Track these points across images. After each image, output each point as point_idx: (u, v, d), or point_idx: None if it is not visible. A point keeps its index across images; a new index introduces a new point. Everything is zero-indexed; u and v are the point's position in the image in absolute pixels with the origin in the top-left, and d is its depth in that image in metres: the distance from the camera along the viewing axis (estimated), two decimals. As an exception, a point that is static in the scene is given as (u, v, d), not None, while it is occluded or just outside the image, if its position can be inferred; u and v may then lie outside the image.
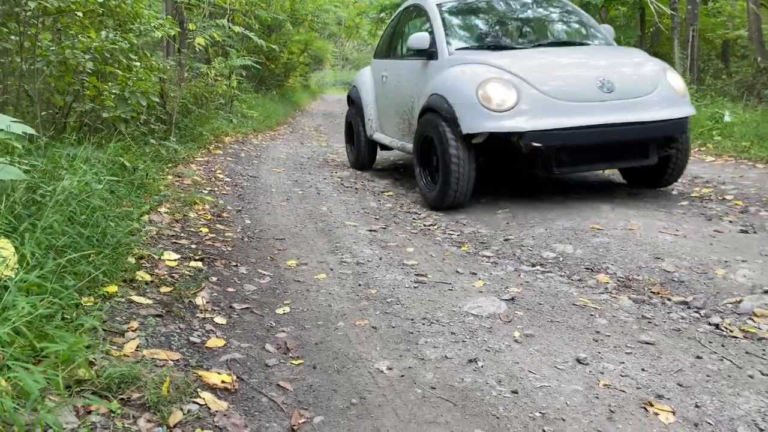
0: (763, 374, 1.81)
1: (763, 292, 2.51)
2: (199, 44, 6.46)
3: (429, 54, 4.62)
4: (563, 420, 1.60)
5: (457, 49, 4.52)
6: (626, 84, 4.00)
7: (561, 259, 3.09)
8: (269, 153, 7.14)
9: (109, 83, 4.32)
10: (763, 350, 2.02)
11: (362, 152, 5.99)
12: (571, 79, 4.06)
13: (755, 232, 3.32)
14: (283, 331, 2.21)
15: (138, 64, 4.58)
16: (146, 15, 4.85)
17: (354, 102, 6.16)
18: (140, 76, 4.35)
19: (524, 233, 3.51)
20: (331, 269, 2.93)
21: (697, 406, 1.64)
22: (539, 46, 4.75)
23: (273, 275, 2.84)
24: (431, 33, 4.68)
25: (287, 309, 2.42)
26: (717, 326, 2.23)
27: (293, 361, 1.97)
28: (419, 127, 4.41)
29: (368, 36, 18.52)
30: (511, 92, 3.86)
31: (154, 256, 2.76)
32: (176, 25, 5.79)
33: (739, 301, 2.43)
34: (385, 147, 5.76)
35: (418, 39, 4.61)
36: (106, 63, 4.27)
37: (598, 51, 4.70)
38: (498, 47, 4.59)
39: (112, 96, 4.21)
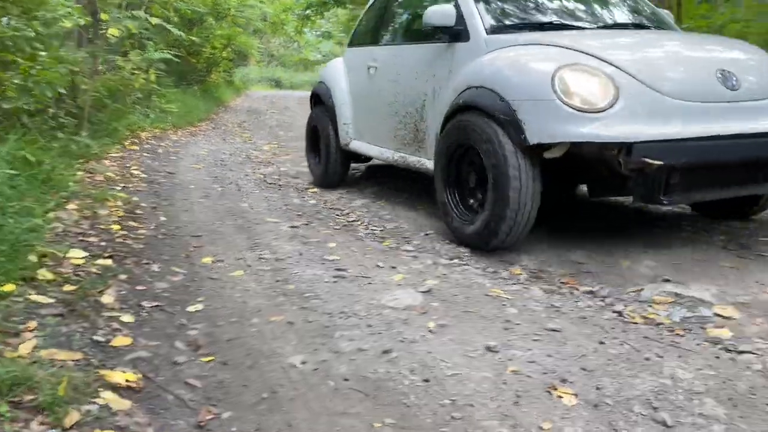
0: (658, 356, 1.92)
1: (663, 280, 2.67)
2: (113, 35, 6.19)
3: (454, 34, 3.45)
4: (472, 406, 1.63)
5: (494, 28, 3.38)
6: (751, 80, 2.97)
7: (477, 252, 3.16)
8: (189, 149, 6.94)
9: (10, 72, 4.06)
10: (660, 334, 2.13)
11: (333, 165, 4.79)
12: (683, 69, 2.96)
13: (658, 225, 3.52)
14: (195, 328, 2.15)
15: (44, 53, 4.34)
16: (53, 2, 4.60)
17: (322, 101, 4.89)
18: (45, 66, 4.12)
19: (444, 228, 3.56)
20: (249, 266, 2.87)
21: (597, 389, 1.72)
22: (606, 27, 3.62)
23: (187, 273, 2.76)
24: (456, 6, 3.49)
25: (200, 306, 2.35)
26: (620, 313, 2.35)
27: (203, 358, 1.91)
28: (447, 134, 3.26)
29: (294, 33, 18.34)
30: (606, 84, 2.72)
31: (58, 253, 2.62)
32: (87, 14, 5.53)
33: (641, 290, 2.57)
34: (360, 159, 4.74)
35: (439, 14, 3.44)
36: (8, 51, 4.02)
37: (692, 37, 3.65)
38: (552, 26, 3.45)
39: (14, 86, 3.96)
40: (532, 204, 2.90)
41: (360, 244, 3.30)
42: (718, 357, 1.95)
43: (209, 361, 1.90)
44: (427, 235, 3.50)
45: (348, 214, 4.07)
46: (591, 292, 2.60)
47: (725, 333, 2.21)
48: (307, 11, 15.01)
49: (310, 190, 4.87)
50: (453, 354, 1.95)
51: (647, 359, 1.90)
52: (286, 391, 1.72)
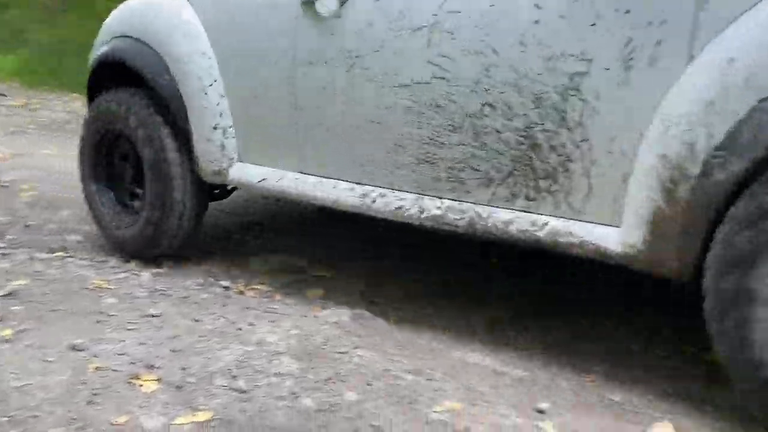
0: (250, 325, 2.01)
1: (270, 251, 2.83)
2: None
3: None
4: (36, 416, 1.46)
5: None
6: None
7: (85, 241, 2.90)
8: None
9: None
10: (259, 302, 2.24)
11: (175, 214, 2.46)
12: None
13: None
14: None
15: None
16: None
17: (142, 80, 2.43)
18: None
19: (47, 217, 3.17)
20: None
21: (183, 369, 1.71)
22: None
23: None
24: None
25: None
26: (226, 288, 2.39)
27: None
28: None
29: None
30: None
31: None
32: None
33: (248, 261, 2.67)
34: (223, 194, 2.75)
35: None
36: None
37: None
38: None
39: None
40: None
41: None
42: (305, 316, 2.13)
43: None
44: (27, 226, 3.07)
45: None
46: (208, 271, 2.60)
47: (319, 293, 2.44)
48: None
49: None
50: (28, 362, 1.73)
51: (240, 329, 1.97)
52: None
